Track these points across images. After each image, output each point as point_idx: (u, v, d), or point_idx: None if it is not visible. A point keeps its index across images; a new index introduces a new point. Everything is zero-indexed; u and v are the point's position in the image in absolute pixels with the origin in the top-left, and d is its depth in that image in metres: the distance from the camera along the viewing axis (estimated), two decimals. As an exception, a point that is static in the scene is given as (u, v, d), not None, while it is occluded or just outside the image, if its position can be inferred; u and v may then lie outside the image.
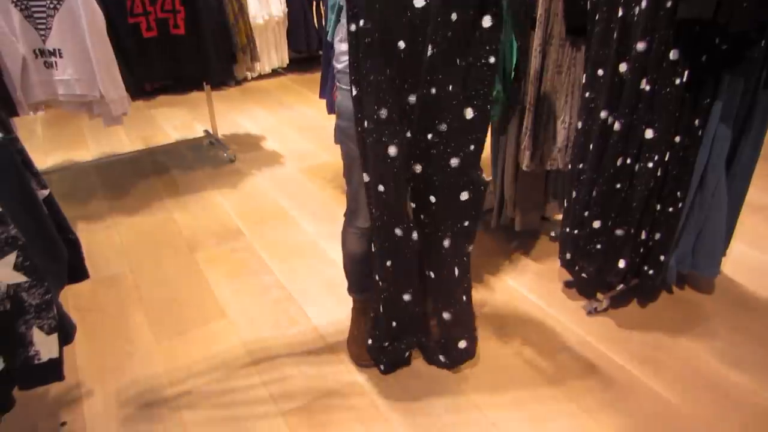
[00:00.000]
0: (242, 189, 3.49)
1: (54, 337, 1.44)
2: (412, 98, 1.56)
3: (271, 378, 2.03)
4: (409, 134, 1.61)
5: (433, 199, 1.73)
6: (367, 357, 2.05)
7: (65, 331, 1.54)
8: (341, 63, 1.67)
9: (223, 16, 3.36)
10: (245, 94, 5.36)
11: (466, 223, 1.79)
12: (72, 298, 2.43)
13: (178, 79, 3.48)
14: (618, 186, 2.06)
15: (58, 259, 1.61)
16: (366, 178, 1.66)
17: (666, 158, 2.01)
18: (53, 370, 1.47)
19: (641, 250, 2.19)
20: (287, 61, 5.51)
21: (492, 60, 1.56)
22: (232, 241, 2.91)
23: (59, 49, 2.73)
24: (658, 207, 2.11)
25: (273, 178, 3.64)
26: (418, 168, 1.68)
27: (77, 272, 1.75)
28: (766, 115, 2.01)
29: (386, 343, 1.98)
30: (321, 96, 3.05)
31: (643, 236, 2.16)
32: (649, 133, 1.94)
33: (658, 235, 2.16)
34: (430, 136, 1.63)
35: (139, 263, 2.73)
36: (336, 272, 2.60)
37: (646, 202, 2.07)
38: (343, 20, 1.64)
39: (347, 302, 2.17)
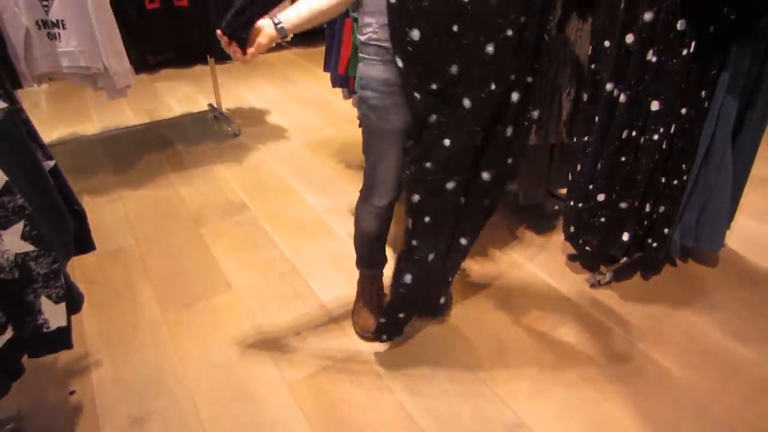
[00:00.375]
0: (246, 163, 3.49)
1: (62, 306, 1.45)
2: (490, 48, 1.51)
3: (276, 350, 2.05)
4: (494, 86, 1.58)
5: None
6: (370, 329, 2.07)
7: (73, 300, 1.56)
8: (364, 35, 1.64)
9: (227, -12, 3.32)
10: (249, 68, 5.32)
11: (510, 161, 1.77)
12: (78, 269, 2.45)
13: (181, 52, 3.46)
14: (623, 159, 2.05)
15: (65, 230, 1.62)
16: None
17: (671, 131, 2.00)
18: (62, 338, 1.49)
19: (645, 223, 2.20)
20: (291, 35, 5.46)
21: None
22: (237, 215, 2.92)
23: (62, 20, 2.71)
24: (663, 180, 2.11)
25: (277, 152, 3.64)
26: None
27: (84, 243, 1.77)
28: (774, 88, 1.99)
29: (382, 319, 1.99)
30: (325, 69, 3.03)
31: (648, 209, 2.16)
32: (654, 105, 1.93)
33: (662, 208, 2.16)
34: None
35: (144, 236, 2.74)
36: (340, 246, 2.62)
37: (651, 174, 2.06)
38: None
39: (351, 276, 2.18)
